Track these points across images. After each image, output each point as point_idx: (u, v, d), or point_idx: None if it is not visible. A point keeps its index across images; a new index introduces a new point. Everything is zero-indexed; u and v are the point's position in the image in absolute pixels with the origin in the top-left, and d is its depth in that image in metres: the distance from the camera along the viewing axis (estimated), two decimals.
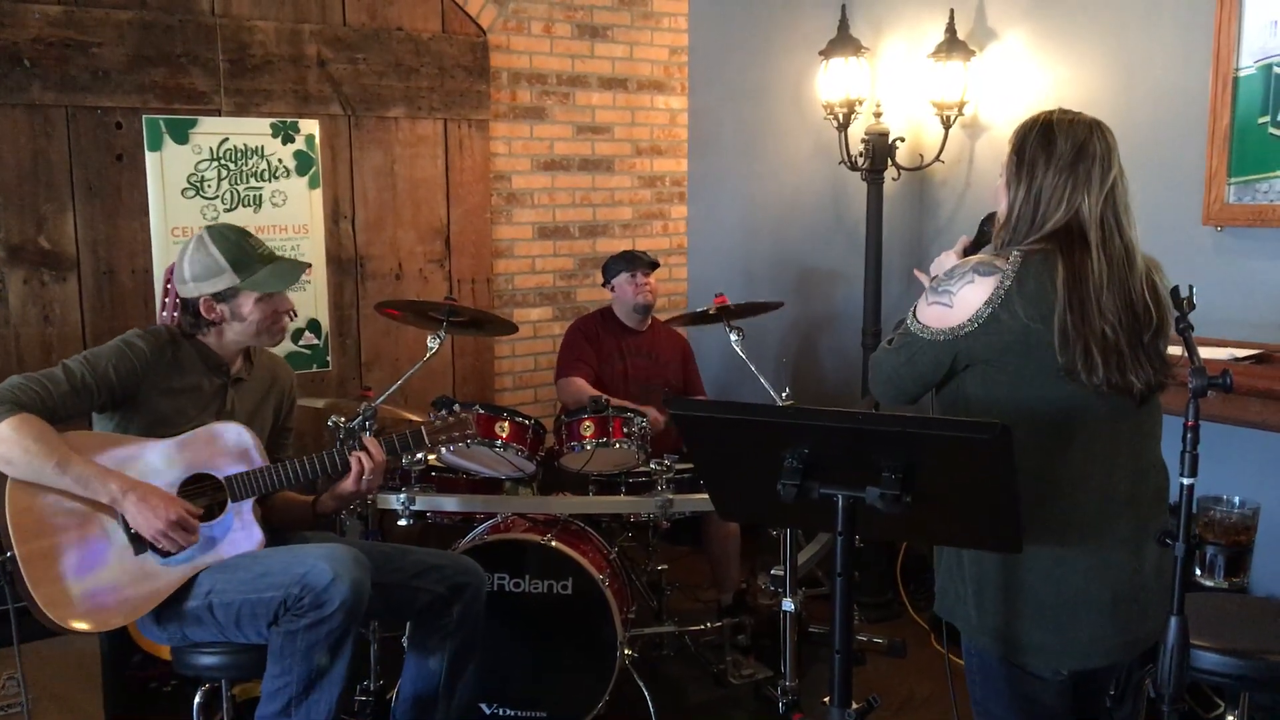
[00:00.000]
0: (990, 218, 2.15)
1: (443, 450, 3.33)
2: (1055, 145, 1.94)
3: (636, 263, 4.25)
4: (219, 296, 2.68)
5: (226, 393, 2.77)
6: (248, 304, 2.69)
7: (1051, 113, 2.01)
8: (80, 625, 2.44)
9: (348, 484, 2.78)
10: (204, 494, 2.62)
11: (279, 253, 2.83)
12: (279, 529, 2.87)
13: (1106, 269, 1.87)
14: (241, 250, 2.68)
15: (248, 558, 2.61)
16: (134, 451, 2.56)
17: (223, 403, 2.76)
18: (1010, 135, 2.05)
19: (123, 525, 2.51)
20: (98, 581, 2.47)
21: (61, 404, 2.48)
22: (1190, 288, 1.88)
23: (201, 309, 2.69)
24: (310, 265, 2.96)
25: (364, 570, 2.56)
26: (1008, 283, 1.88)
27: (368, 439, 2.80)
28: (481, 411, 3.43)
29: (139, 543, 2.52)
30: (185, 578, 2.57)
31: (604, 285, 4.40)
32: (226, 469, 2.65)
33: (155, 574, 2.54)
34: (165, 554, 2.54)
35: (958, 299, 1.93)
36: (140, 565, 2.52)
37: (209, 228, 2.73)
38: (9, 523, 2.39)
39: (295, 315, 2.89)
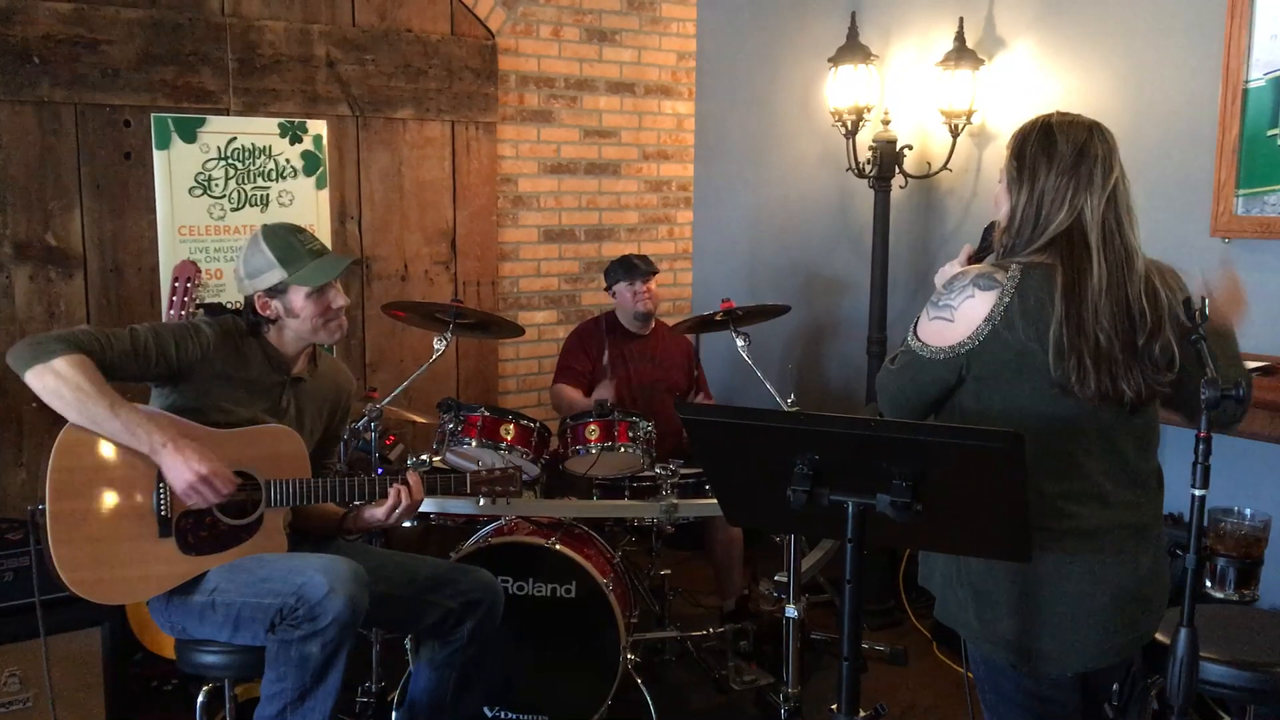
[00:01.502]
0: (994, 226, 2.13)
1: (483, 503, 3.31)
2: (1056, 147, 1.93)
3: (635, 272, 4.25)
4: (271, 292, 2.70)
5: (284, 390, 2.79)
6: (299, 299, 2.71)
7: (1050, 115, 2.00)
8: (88, 593, 2.46)
9: (379, 512, 2.79)
10: (241, 491, 2.61)
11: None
12: (302, 533, 2.87)
13: (1106, 273, 1.86)
14: (290, 246, 2.71)
15: (254, 560, 2.61)
16: (184, 431, 2.56)
17: (278, 400, 2.77)
18: (1008, 140, 2.03)
19: (155, 507, 2.53)
20: (116, 555, 2.49)
21: (119, 361, 2.50)
22: (1203, 299, 1.87)
23: (257, 306, 2.72)
24: (358, 259, 2.98)
25: (361, 586, 2.55)
26: (1007, 299, 1.88)
27: (411, 474, 2.81)
28: (486, 414, 3.43)
29: (165, 525, 2.54)
30: (200, 570, 2.58)
31: (605, 290, 4.40)
32: (270, 473, 2.65)
33: (172, 560, 2.55)
34: (188, 545, 2.56)
35: (959, 313, 1.92)
36: (160, 549, 2.54)
37: (264, 226, 2.77)
38: (49, 479, 2.43)
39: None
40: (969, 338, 1.90)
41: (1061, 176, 1.91)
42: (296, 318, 2.72)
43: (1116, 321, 1.85)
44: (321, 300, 2.73)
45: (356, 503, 2.84)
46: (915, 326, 2.03)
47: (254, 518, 2.64)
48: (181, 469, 2.46)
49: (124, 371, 2.53)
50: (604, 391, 4.02)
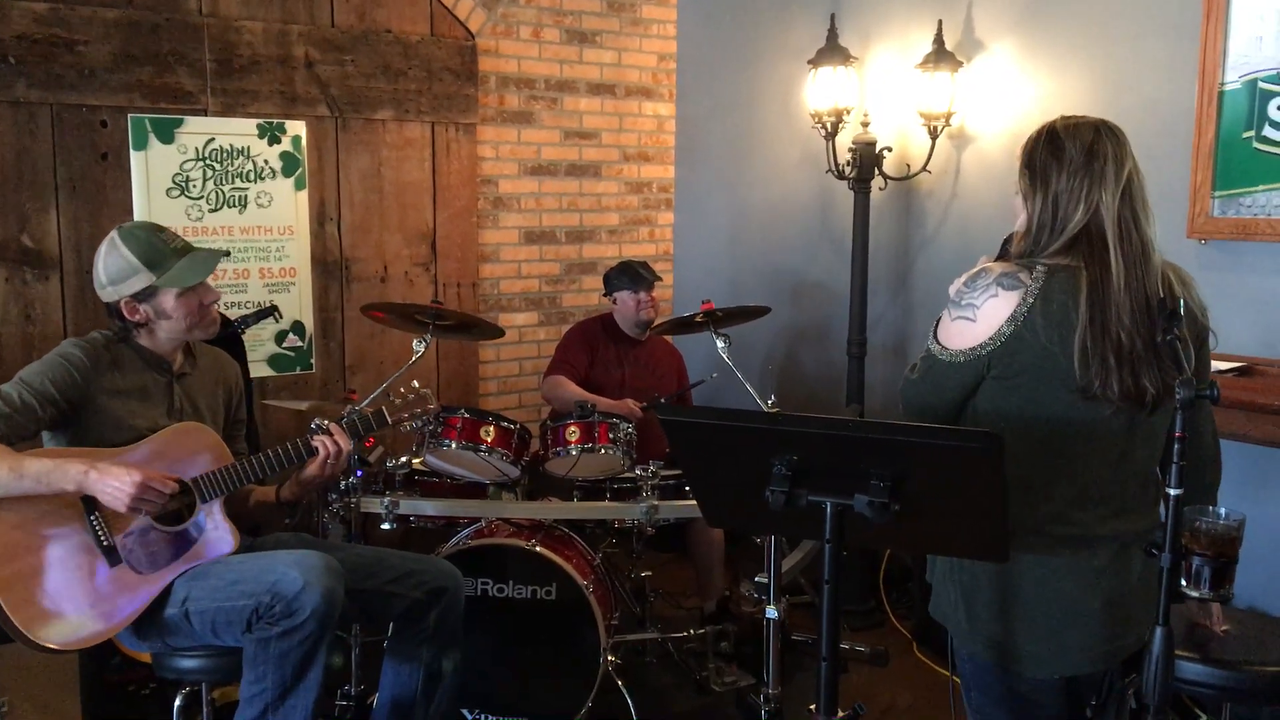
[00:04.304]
0: (1012, 238, 2.12)
1: (408, 428, 3.26)
2: (1064, 150, 1.92)
3: (640, 281, 4.24)
4: (138, 297, 2.61)
5: (173, 389, 2.73)
6: (169, 300, 2.62)
7: (1054, 121, 1.99)
8: (62, 646, 2.40)
9: (312, 468, 2.75)
10: (175, 496, 2.57)
11: (251, 251, 2.77)
12: (249, 524, 2.84)
13: (1124, 269, 1.85)
14: (153, 247, 2.60)
15: (221, 564, 2.58)
16: (94, 455, 2.49)
17: (171, 400, 2.72)
18: (1018, 152, 2.02)
19: (95, 539, 2.47)
20: (75, 599, 2.42)
21: (6, 430, 2.41)
22: (1179, 300, 1.88)
23: (124, 311, 2.63)
24: (228, 253, 2.88)
25: (336, 577, 2.53)
26: (1031, 299, 1.87)
27: (331, 424, 2.77)
28: (466, 416, 3.42)
29: (112, 554, 2.48)
30: (163, 585, 2.54)
31: (605, 295, 4.38)
32: (191, 471, 2.61)
33: (133, 584, 2.50)
34: (141, 565, 2.52)
35: (981, 313, 1.91)
36: (117, 577, 2.48)
37: (119, 228, 2.66)
38: None
39: (280, 316, 2.83)
40: (991, 338, 1.90)
41: (1074, 178, 1.90)
42: (169, 319, 2.64)
43: (1137, 318, 1.85)
44: (193, 298, 2.65)
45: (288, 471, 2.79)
46: (935, 330, 2.01)
47: (194, 519, 2.60)
48: (115, 488, 2.38)
49: (14, 434, 2.43)
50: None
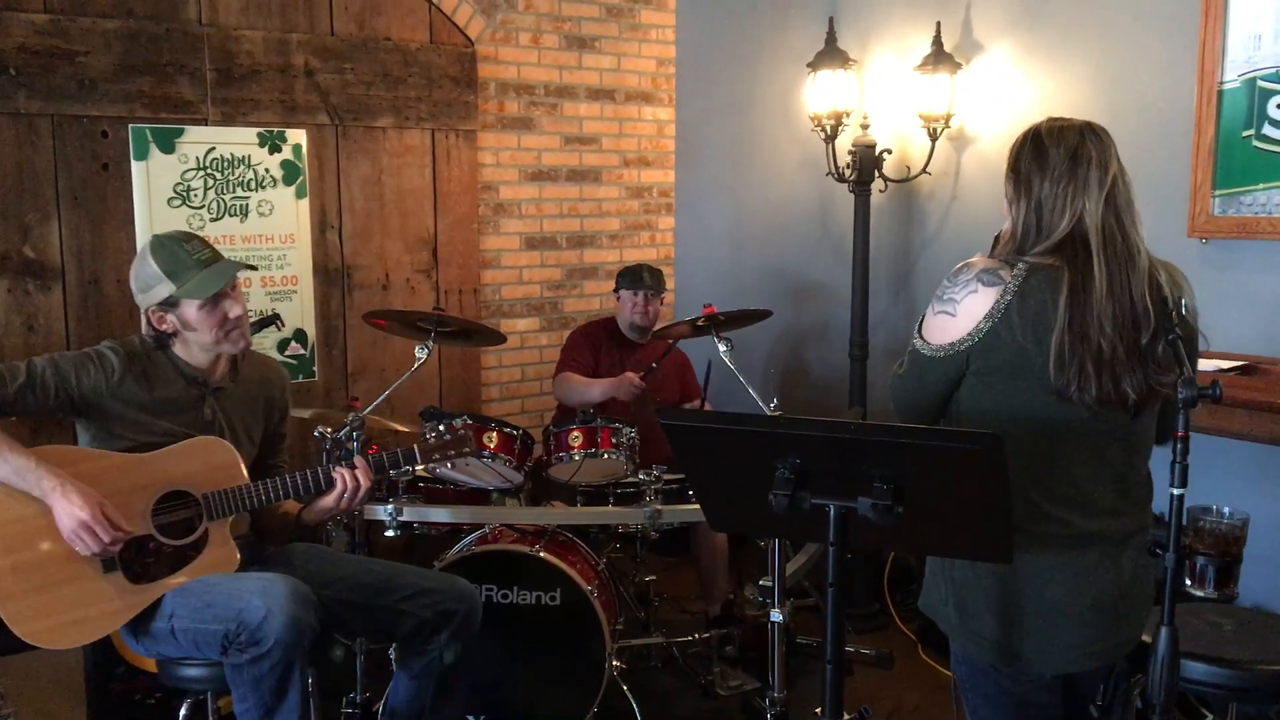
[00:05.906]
0: (1000, 238, 2.13)
1: (436, 467, 3.29)
2: (1048, 155, 1.92)
3: (638, 283, 4.27)
4: (163, 306, 2.62)
5: (205, 402, 2.72)
6: (191, 312, 2.62)
7: (1039, 124, 2.00)
8: (44, 642, 2.41)
9: (328, 500, 2.74)
10: (183, 509, 2.57)
11: (253, 259, 2.76)
12: (265, 536, 2.84)
13: (1107, 275, 1.85)
14: (177, 258, 2.61)
15: (203, 584, 2.56)
16: (107, 465, 2.51)
17: (200, 413, 2.71)
18: (1006, 154, 2.03)
19: None
20: (65, 599, 2.43)
21: (15, 396, 2.45)
22: (1180, 300, 1.88)
23: (153, 321, 2.65)
24: (254, 267, 2.89)
25: (302, 603, 2.49)
26: (1008, 297, 1.87)
27: (358, 458, 2.75)
28: (470, 422, 3.42)
29: (109, 561, 2.48)
30: (154, 598, 2.53)
31: (613, 293, 4.43)
32: (205, 486, 2.61)
33: (124, 592, 2.50)
34: (136, 574, 2.52)
35: (961, 308, 1.92)
36: (109, 584, 2.48)
37: (154, 237, 2.67)
38: None
39: (283, 325, 2.84)
40: (969, 334, 1.91)
41: (1057, 184, 1.90)
42: (194, 330, 2.64)
43: (1119, 324, 1.85)
44: (216, 311, 2.63)
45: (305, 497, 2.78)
46: (920, 325, 2.03)
47: (198, 534, 2.60)
48: (68, 512, 2.38)
49: (22, 407, 2.46)
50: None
